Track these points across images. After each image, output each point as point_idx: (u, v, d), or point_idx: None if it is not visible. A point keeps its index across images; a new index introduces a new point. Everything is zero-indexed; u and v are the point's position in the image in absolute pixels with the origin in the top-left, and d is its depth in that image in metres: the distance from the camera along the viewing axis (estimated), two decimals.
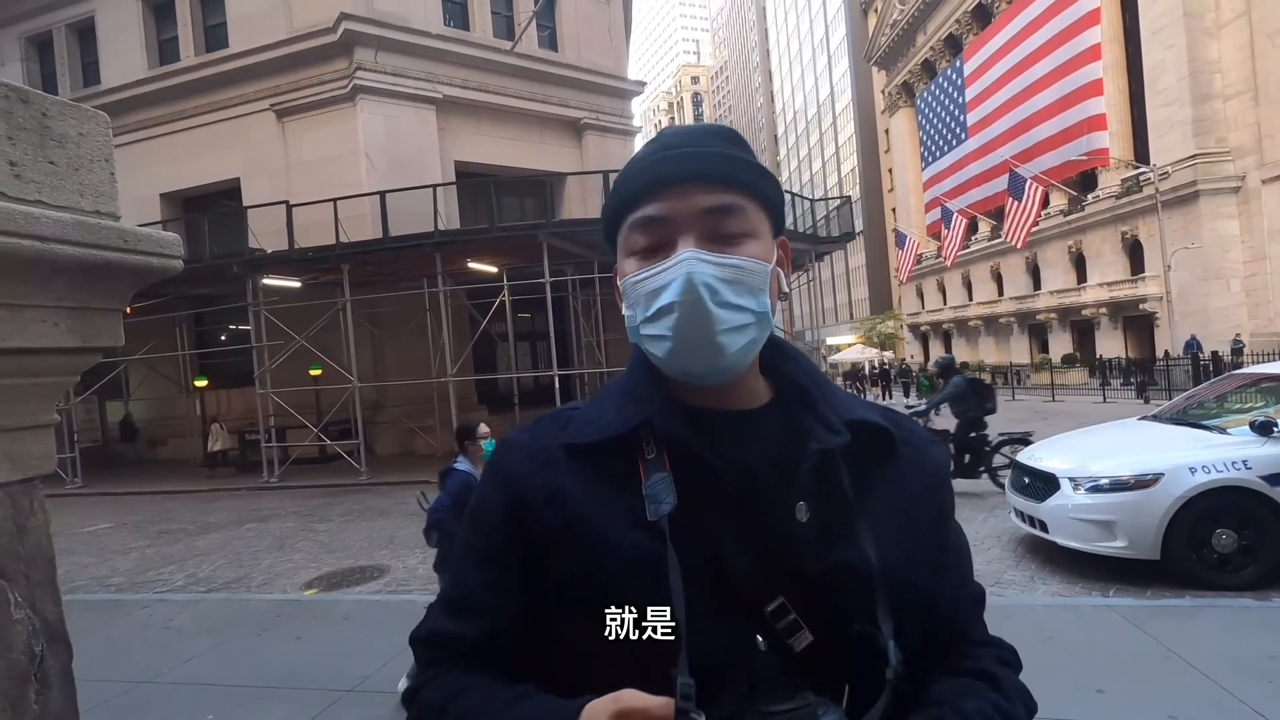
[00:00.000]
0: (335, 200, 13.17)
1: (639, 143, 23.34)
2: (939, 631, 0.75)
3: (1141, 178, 26.27)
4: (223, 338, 18.01)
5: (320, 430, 13.65)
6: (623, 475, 0.72)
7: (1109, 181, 29.96)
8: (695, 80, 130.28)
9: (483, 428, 4.05)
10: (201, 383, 16.92)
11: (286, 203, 13.44)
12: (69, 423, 14.94)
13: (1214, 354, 19.70)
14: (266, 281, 13.81)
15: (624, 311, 0.78)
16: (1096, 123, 29.86)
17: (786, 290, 0.78)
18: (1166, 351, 22.56)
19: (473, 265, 13.88)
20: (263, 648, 4.55)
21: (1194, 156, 24.96)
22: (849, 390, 0.82)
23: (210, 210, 16.92)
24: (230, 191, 17.00)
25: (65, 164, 1.08)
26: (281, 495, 12.06)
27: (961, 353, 43.12)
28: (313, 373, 14.25)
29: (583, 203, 17.74)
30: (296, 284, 14.24)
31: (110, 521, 10.47)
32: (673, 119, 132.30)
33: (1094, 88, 29.96)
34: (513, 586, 0.74)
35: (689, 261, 0.69)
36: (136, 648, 4.72)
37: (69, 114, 1.10)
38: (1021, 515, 5.80)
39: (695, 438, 0.71)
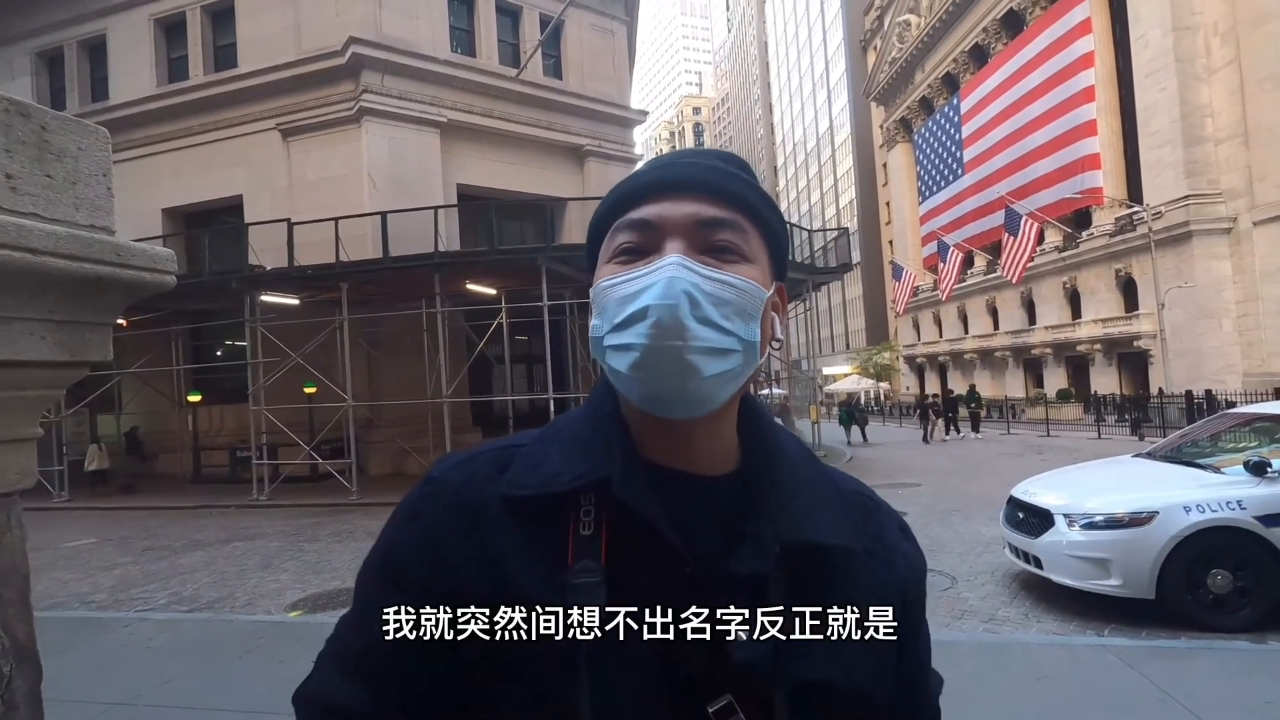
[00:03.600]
0: (336, 219, 13.25)
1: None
2: None
3: (1135, 217, 26.65)
4: (218, 353, 17.96)
5: (312, 449, 13.55)
6: (555, 542, 0.63)
7: (1103, 220, 30.34)
8: (697, 110, 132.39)
9: None
10: (195, 398, 16.83)
11: (288, 220, 13.51)
12: (58, 436, 14.81)
13: (1207, 393, 19.78)
14: (265, 298, 13.82)
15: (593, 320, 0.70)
16: (1091, 162, 30.37)
17: (780, 337, 0.71)
18: (1160, 389, 22.65)
19: (471, 287, 13.92)
20: (244, 671, 4.46)
21: (1186, 197, 25.33)
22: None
23: (212, 226, 17.01)
24: (233, 208, 17.09)
25: (62, 178, 1.08)
26: (270, 514, 11.92)
27: (958, 385, 43.23)
28: (307, 390, 14.19)
29: (583, 228, 17.50)
30: (295, 301, 14.25)
31: (94, 537, 10.33)
32: (674, 147, 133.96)
33: (1088, 128, 30.53)
34: (425, 667, 0.64)
35: (673, 266, 0.61)
36: (115, 668, 4.62)
37: (68, 129, 1.11)
38: (1016, 551, 5.76)
39: (658, 510, 0.62)
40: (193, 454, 17.08)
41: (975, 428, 23.29)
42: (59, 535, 10.37)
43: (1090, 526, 5.06)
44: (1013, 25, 36.55)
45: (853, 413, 24.03)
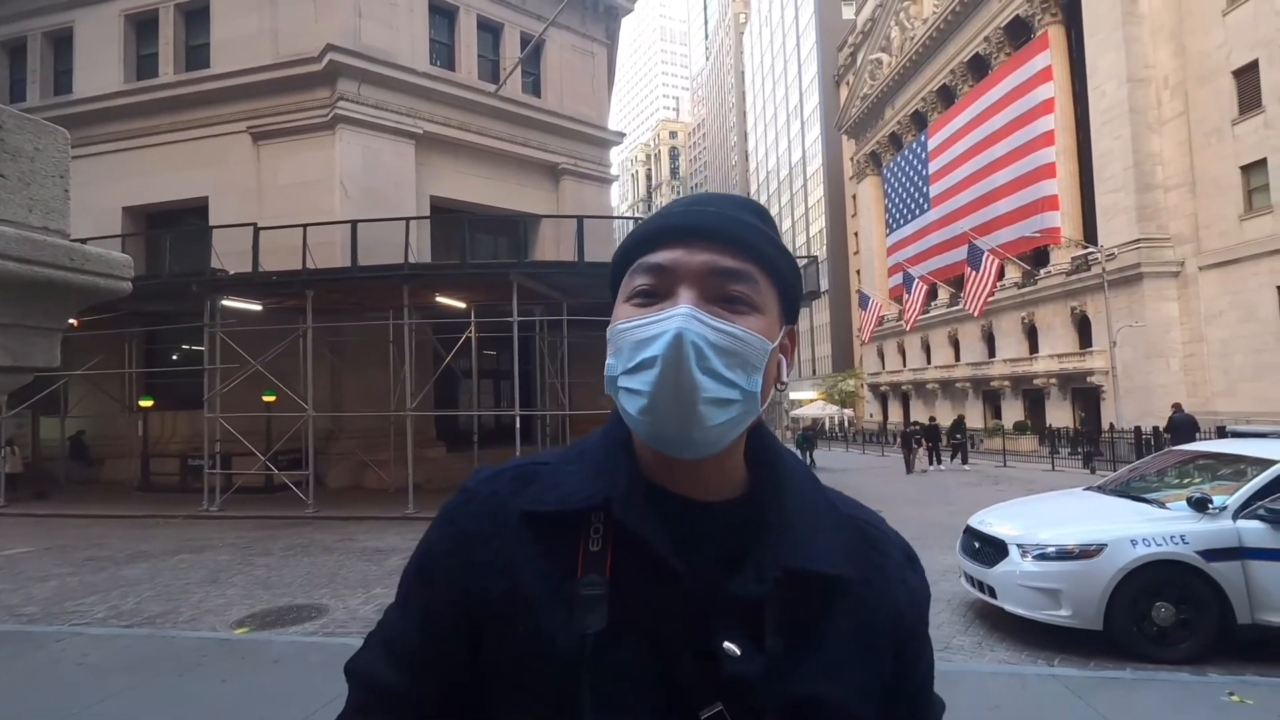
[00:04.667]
0: (305, 226, 13.03)
1: (615, 191, 23.82)
2: None
3: (1090, 257, 27.61)
4: (174, 357, 17.42)
5: (269, 459, 13.17)
6: (567, 556, 0.69)
7: (1060, 259, 31.43)
8: (673, 135, 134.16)
9: None
10: (147, 403, 16.26)
11: (254, 225, 13.25)
12: None
13: (1155, 429, 20.48)
14: (226, 303, 13.47)
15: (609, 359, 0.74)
16: (1049, 203, 31.51)
17: (784, 381, 0.75)
18: (1111, 424, 23.37)
19: (441, 300, 13.79)
20: (184, 689, 4.27)
21: (1138, 241, 26.40)
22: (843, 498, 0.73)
23: (174, 227, 16.59)
24: (197, 210, 16.71)
25: (16, 178, 1.05)
26: (221, 525, 11.53)
27: (919, 414, 44.04)
28: (266, 399, 13.83)
29: (555, 245, 17.90)
30: (257, 307, 13.92)
31: (31, 545, 9.85)
32: (650, 170, 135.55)
33: (1048, 170, 31.72)
34: (448, 660, 0.71)
35: (683, 317, 0.64)
36: (45, 685, 4.39)
37: (26, 128, 1.08)
38: (971, 580, 5.85)
39: (654, 531, 0.67)
40: (142, 461, 16.46)
41: (963, 459, 22.36)
42: None
43: (1043, 557, 5.18)
44: (979, 69, 37.97)
45: (813, 437, 25.40)
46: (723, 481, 0.73)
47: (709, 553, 0.68)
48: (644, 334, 0.66)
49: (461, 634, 0.70)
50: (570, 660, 0.63)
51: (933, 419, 24.80)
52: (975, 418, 37.17)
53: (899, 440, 23.28)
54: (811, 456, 23.87)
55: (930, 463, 21.24)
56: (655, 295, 0.69)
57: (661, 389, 0.64)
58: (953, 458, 22.42)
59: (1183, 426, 18.43)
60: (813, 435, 26.41)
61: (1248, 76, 23.42)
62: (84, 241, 1.24)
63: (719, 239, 0.69)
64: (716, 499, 0.72)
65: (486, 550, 0.70)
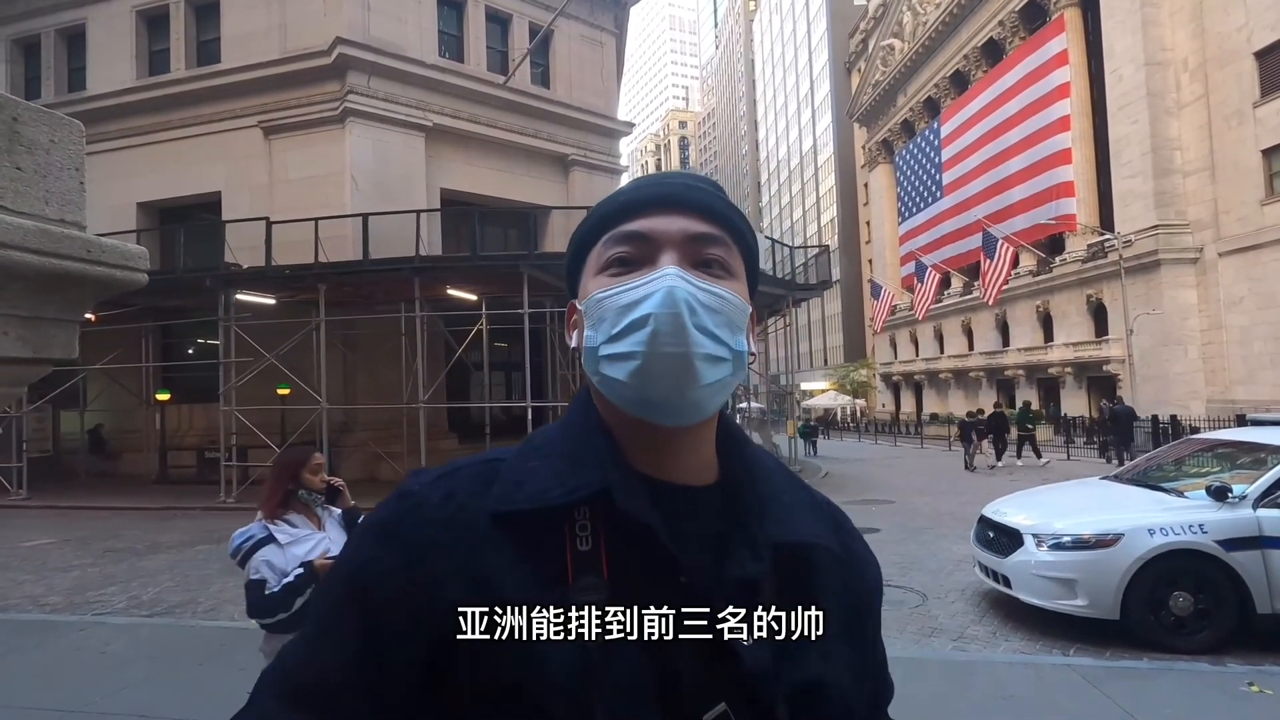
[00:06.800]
0: (317, 220, 13.10)
1: (625, 181, 23.74)
2: None
3: (1106, 244, 27.28)
4: (190, 351, 17.61)
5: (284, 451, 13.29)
6: (551, 559, 0.61)
7: (1076, 246, 31.05)
8: (683, 125, 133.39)
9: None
10: (164, 396, 16.46)
11: (267, 219, 13.33)
12: (18, 431, 14.39)
13: (1173, 418, 20.25)
14: (240, 297, 13.59)
15: (571, 343, 0.71)
16: (1065, 189, 31.11)
17: (754, 351, 0.72)
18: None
19: (452, 292, 13.83)
20: (203, 678, 4.34)
21: (1155, 227, 26.01)
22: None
23: (188, 222, 16.72)
24: (210, 205, 16.83)
25: (33, 170, 1.06)
26: (238, 516, 11.63)
27: (932, 404, 43.77)
28: (281, 392, 13.96)
29: (566, 237, 17.69)
30: (271, 301, 14.03)
31: (53, 537, 10.02)
32: (659, 160, 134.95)
33: (1063, 156, 31.30)
34: (394, 698, 0.59)
35: (672, 276, 0.63)
36: (67, 673, 4.47)
37: (41, 120, 1.08)
38: (986, 569, 5.82)
39: (659, 521, 0.62)
40: (159, 454, 16.68)
41: (1036, 452, 18.36)
42: (16, 534, 10.06)
43: (1058, 547, 5.14)
44: (993, 54, 37.43)
45: (815, 428, 27.70)
46: (699, 465, 0.70)
47: (697, 540, 0.65)
48: (631, 297, 0.64)
49: (415, 667, 0.59)
50: (573, 677, 0.57)
51: (998, 405, 21.03)
52: (989, 407, 36.87)
53: (957, 431, 19.87)
54: (815, 447, 24.79)
55: (999, 459, 18.22)
56: (633, 263, 0.67)
57: (656, 347, 0.62)
58: (1019, 452, 18.49)
59: (1121, 418, 18.33)
60: (814, 427, 27.90)
61: (1270, 58, 22.95)
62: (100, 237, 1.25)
63: (693, 207, 0.69)
64: (698, 483, 0.69)
65: (448, 563, 0.60)
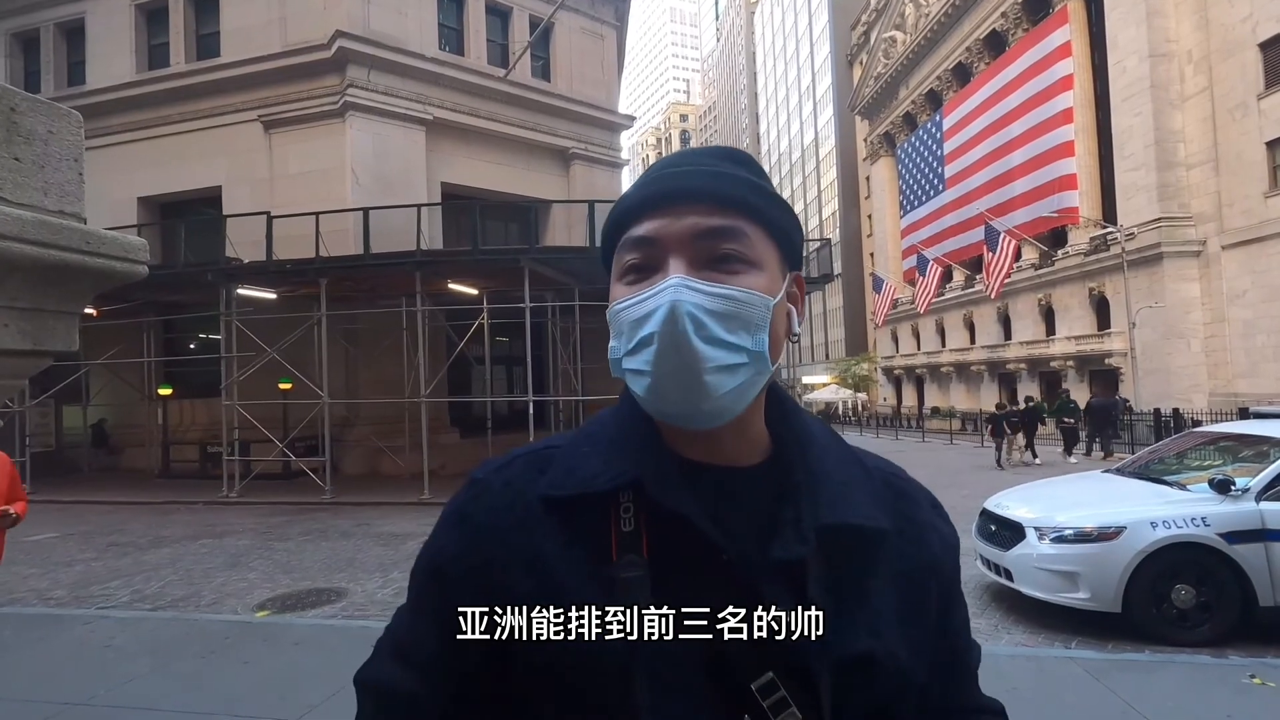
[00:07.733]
0: (318, 214, 13.08)
1: (626, 175, 23.67)
2: (935, 707, 0.73)
3: (1109, 237, 27.19)
4: (191, 346, 17.63)
5: (286, 446, 13.32)
6: (597, 542, 0.65)
7: (1078, 239, 30.95)
8: (684, 118, 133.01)
9: None
10: (166, 391, 16.48)
11: (267, 214, 13.30)
12: (20, 426, 14.43)
13: (1175, 411, 20.23)
14: (241, 291, 13.58)
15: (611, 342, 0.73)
16: (1067, 182, 31.00)
17: (797, 331, 0.73)
18: (1130, 406, 23.12)
19: (453, 286, 13.82)
20: (207, 672, 4.35)
21: (1158, 220, 25.92)
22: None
23: (188, 217, 16.71)
24: (210, 200, 16.81)
25: (31, 161, 1.05)
26: (241, 511, 11.70)
27: (933, 397, 43.75)
28: (283, 386, 13.97)
29: (567, 230, 17.85)
30: (272, 296, 14.03)
31: (57, 531, 10.05)
32: (660, 154, 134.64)
33: (1066, 149, 31.16)
34: (470, 666, 0.68)
35: (673, 289, 0.62)
36: (71, 667, 4.49)
37: (39, 111, 1.07)
38: (987, 563, 5.83)
39: (690, 506, 0.64)
40: (162, 448, 16.72)
41: (1071, 449, 17.48)
42: (21, 528, 10.00)
43: (1060, 540, 5.14)
44: (995, 46, 37.23)
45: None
46: (747, 446, 0.71)
47: (743, 520, 0.66)
48: (639, 312, 0.64)
49: (482, 639, 0.66)
50: (620, 649, 0.61)
51: (1029, 399, 19.55)
52: (991, 401, 36.85)
53: (988, 426, 18.35)
54: None
55: (1033, 455, 16.95)
56: (645, 270, 0.66)
57: (662, 366, 0.62)
58: (1069, 449, 17.64)
59: (1096, 410, 18.32)
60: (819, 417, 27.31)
61: (1274, 49, 22.82)
62: None
63: (701, 198, 0.66)
64: (746, 463, 0.70)
65: (507, 546, 0.67)
